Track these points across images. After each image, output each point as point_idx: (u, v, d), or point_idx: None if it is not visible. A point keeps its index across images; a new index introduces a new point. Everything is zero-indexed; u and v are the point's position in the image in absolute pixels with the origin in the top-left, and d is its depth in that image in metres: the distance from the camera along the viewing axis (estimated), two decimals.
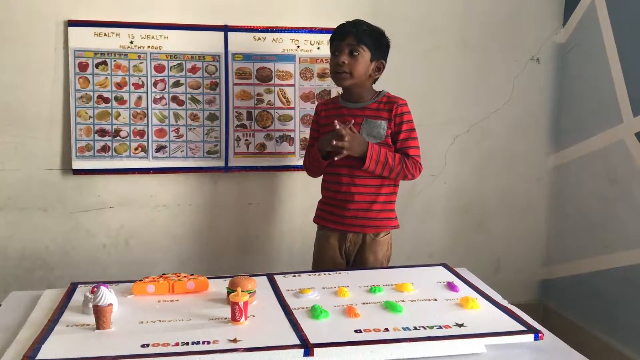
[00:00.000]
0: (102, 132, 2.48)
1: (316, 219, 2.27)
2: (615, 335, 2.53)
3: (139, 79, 2.49)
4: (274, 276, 1.85)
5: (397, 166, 2.09)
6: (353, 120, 2.09)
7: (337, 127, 2.02)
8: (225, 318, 1.51)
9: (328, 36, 2.27)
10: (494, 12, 2.76)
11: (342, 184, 2.14)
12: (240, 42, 2.54)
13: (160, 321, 1.50)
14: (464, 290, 1.75)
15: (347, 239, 2.18)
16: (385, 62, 2.18)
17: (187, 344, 1.36)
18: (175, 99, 2.52)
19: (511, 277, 2.94)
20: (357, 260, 2.20)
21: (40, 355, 1.31)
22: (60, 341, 1.39)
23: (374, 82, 2.21)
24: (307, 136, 2.49)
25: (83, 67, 2.44)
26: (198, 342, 1.37)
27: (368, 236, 2.17)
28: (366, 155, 2.05)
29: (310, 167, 2.26)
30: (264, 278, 1.83)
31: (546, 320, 2.84)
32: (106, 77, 2.46)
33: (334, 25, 2.56)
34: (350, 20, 2.16)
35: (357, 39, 2.09)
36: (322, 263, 2.22)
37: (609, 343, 2.54)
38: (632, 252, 2.42)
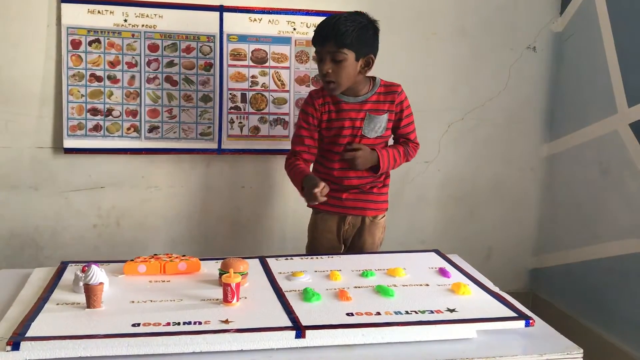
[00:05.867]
0: (95, 111, 2.45)
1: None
2: (604, 324, 2.55)
3: (133, 58, 2.46)
4: (266, 259, 1.85)
5: (403, 159, 2.16)
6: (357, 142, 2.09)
7: (348, 155, 2.06)
8: (217, 299, 1.51)
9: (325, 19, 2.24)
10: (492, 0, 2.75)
11: (347, 170, 2.12)
12: (235, 23, 2.51)
13: (151, 301, 1.50)
14: (455, 276, 1.76)
15: (346, 222, 2.18)
16: (376, 52, 2.06)
17: (179, 324, 1.36)
18: (168, 79, 2.50)
19: (502, 266, 2.95)
20: (355, 243, 2.20)
21: (29, 333, 1.30)
22: (50, 319, 1.38)
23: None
24: None
25: (76, 44, 2.41)
26: (189, 323, 1.36)
27: (367, 218, 2.17)
28: (379, 165, 2.08)
29: (289, 176, 2.14)
30: (256, 261, 1.83)
31: (536, 308, 2.83)
32: (99, 56, 2.43)
33: (331, 8, 2.56)
34: (330, 18, 2.02)
35: (338, 44, 1.95)
36: (319, 246, 2.22)
37: (598, 332, 2.56)
38: (622, 242, 2.43)
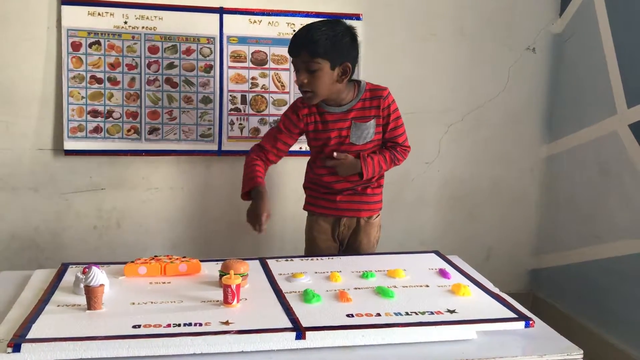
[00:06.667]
0: (95, 113, 2.45)
1: (307, 206, 2.25)
2: (604, 325, 2.55)
3: (133, 59, 2.46)
4: (267, 260, 1.86)
5: (390, 165, 2.13)
6: (336, 154, 2.07)
7: (329, 163, 2.07)
8: (218, 301, 1.51)
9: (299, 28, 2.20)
10: (491, 1, 2.75)
11: (334, 174, 2.11)
12: (235, 25, 2.52)
13: (151, 302, 1.50)
14: (455, 277, 1.76)
15: (341, 223, 2.18)
16: (353, 60, 2.00)
17: (179, 325, 1.36)
18: (168, 80, 2.50)
19: (501, 266, 2.95)
20: (350, 243, 2.20)
21: (30, 335, 1.30)
22: (51, 321, 1.38)
23: (350, 80, 2.05)
24: None
25: (76, 46, 2.41)
26: (190, 324, 1.36)
27: (362, 219, 2.17)
28: (362, 173, 2.06)
29: (244, 171, 2.11)
30: (257, 262, 1.84)
31: (535, 309, 2.84)
32: (99, 57, 2.44)
33: (330, 10, 2.56)
34: (304, 27, 1.99)
35: (311, 53, 1.92)
36: (316, 247, 2.22)
37: (598, 333, 2.56)
38: (622, 242, 2.44)
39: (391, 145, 2.13)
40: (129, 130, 2.49)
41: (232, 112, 2.57)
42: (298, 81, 1.99)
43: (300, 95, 2.07)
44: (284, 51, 2.57)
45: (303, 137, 2.20)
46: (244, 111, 2.58)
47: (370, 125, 2.08)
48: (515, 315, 1.49)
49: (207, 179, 2.62)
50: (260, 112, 2.59)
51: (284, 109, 2.58)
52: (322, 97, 2.02)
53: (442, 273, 1.78)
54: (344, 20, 2.05)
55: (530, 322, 1.46)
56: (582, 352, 1.40)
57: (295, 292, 1.59)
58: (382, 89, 2.08)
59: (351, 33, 2.00)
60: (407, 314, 1.46)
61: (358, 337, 1.37)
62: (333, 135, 2.08)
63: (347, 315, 1.44)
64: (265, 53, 2.56)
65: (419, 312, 1.48)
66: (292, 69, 2.56)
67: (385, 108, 2.07)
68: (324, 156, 2.10)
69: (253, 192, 2.02)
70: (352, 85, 2.09)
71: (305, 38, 1.94)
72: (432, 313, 1.47)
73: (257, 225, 1.93)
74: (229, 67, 2.54)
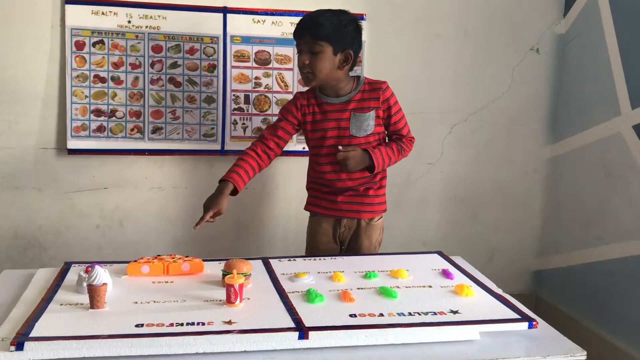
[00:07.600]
0: (98, 112, 2.46)
1: (309, 207, 2.24)
2: (608, 326, 2.54)
3: (136, 59, 2.46)
4: (269, 260, 1.86)
5: (398, 156, 2.12)
6: (341, 147, 2.05)
7: (339, 157, 2.02)
8: (220, 300, 1.51)
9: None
10: (495, 1, 2.75)
11: (338, 172, 2.10)
12: (239, 24, 2.52)
13: (154, 302, 1.50)
14: (458, 278, 1.75)
15: (341, 225, 2.17)
16: (356, 49, 2.04)
17: (182, 324, 1.36)
18: (172, 80, 2.50)
19: (505, 268, 2.95)
20: (351, 245, 2.19)
21: (33, 333, 1.30)
22: (53, 319, 1.38)
23: (351, 70, 2.08)
24: None
25: (80, 45, 2.41)
26: (193, 323, 1.36)
27: (363, 221, 2.16)
28: (373, 166, 2.05)
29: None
30: (259, 262, 1.83)
31: (539, 310, 2.84)
32: (103, 57, 2.44)
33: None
34: (310, 13, 2.03)
35: (315, 36, 1.95)
36: (316, 249, 2.21)
37: (601, 334, 2.55)
38: (626, 244, 2.43)
39: (396, 137, 2.14)
40: (132, 130, 2.49)
41: (235, 111, 2.57)
42: (299, 62, 2.01)
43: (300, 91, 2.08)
44: (287, 51, 2.58)
45: None
46: (247, 111, 2.58)
47: (370, 117, 2.07)
48: (518, 316, 1.48)
49: (210, 179, 2.61)
50: (264, 112, 2.59)
51: None
52: (321, 81, 2.03)
53: (445, 274, 1.77)
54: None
55: (534, 323, 1.46)
56: (585, 353, 1.40)
57: (298, 292, 1.59)
58: (381, 82, 2.10)
59: (356, 24, 2.04)
60: (410, 314, 1.46)
61: (361, 337, 1.36)
62: (331, 125, 2.08)
63: (350, 315, 1.44)
64: (268, 53, 2.56)
65: (422, 312, 1.47)
66: (296, 64, 2.58)
67: (385, 101, 2.08)
68: (328, 152, 2.09)
69: (220, 183, 2.04)
70: (352, 79, 2.11)
71: (310, 21, 1.99)
72: (435, 313, 1.47)
73: (201, 218, 1.95)
74: (233, 67, 2.55)
